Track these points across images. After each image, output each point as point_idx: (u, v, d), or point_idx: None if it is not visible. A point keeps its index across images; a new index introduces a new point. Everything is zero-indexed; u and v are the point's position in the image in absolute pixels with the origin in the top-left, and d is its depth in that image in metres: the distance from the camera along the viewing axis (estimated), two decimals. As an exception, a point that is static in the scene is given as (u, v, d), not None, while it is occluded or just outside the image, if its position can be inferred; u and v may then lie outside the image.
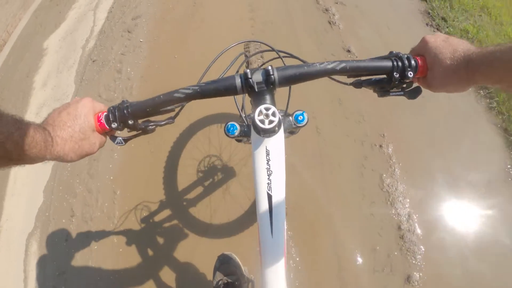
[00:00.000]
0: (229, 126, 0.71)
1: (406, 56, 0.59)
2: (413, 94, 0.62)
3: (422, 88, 0.62)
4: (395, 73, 0.58)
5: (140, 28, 2.45)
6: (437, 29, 2.47)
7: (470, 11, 2.60)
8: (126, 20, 2.53)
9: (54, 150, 0.53)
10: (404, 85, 0.62)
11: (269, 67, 0.59)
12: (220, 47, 0.83)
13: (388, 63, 0.59)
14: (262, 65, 1.11)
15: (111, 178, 1.85)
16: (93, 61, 2.35)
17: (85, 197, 1.84)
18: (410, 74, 0.58)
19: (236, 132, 0.71)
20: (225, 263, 1.29)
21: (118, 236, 1.67)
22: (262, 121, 0.58)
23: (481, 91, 2.16)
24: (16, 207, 1.92)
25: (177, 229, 1.67)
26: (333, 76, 0.64)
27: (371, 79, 0.63)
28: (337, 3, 2.46)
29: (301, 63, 0.64)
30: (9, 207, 1.93)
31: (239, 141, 0.91)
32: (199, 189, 1.74)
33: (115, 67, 2.25)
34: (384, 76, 0.61)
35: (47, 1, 3.04)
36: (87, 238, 1.71)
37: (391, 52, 0.62)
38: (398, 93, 0.63)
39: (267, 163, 0.61)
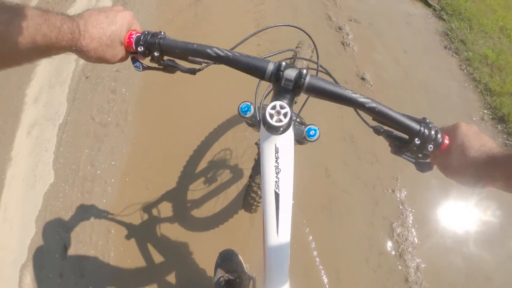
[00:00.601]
0: (244, 106, 0.72)
1: (435, 128, 0.57)
2: (423, 167, 0.60)
3: (434, 167, 0.61)
4: (416, 139, 0.57)
5: (137, 42, 2.27)
6: (456, 53, 2.31)
7: (490, 33, 2.43)
8: (122, 31, 2.35)
9: (80, 43, 0.53)
10: (420, 155, 0.59)
11: (304, 70, 0.58)
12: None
13: (416, 126, 0.57)
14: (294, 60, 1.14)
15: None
16: (87, 78, 2.20)
17: (78, 233, 1.74)
18: (430, 147, 0.56)
19: (249, 114, 0.72)
20: (226, 260, 1.28)
21: (115, 274, 1.59)
22: (271, 116, 0.57)
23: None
24: (9, 234, 1.83)
25: (176, 226, 1.64)
26: (359, 113, 0.63)
27: (392, 132, 0.61)
28: (350, 20, 2.28)
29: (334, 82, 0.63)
30: (1, 234, 1.84)
31: (250, 125, 0.91)
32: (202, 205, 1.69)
33: (109, 86, 2.10)
34: (406, 136, 0.59)
35: (43, 2, 2.83)
36: (81, 277, 1.63)
37: (424, 118, 0.60)
38: (409, 159, 0.61)
39: (276, 160, 0.60)
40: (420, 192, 1.73)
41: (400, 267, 1.59)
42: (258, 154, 1.19)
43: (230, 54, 0.59)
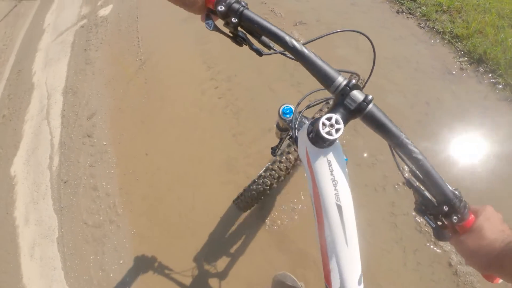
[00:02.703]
0: (287, 108, 0.75)
1: (465, 204, 0.57)
2: (440, 235, 0.59)
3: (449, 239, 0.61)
4: (445, 206, 0.56)
5: (99, 128, 2.21)
6: (410, 13, 2.22)
7: (435, -23, 2.34)
8: (82, 123, 2.28)
9: None
10: (441, 223, 0.59)
11: (370, 96, 0.56)
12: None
13: (449, 194, 0.56)
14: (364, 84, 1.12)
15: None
16: (65, 183, 2.13)
17: None
18: (455, 219, 0.55)
19: (288, 118, 0.73)
20: (281, 283, 1.26)
21: None
22: (324, 125, 0.56)
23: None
24: None
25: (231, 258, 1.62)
26: (397, 161, 0.63)
27: (423, 190, 0.60)
28: (296, 24, 2.20)
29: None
30: None
31: (280, 129, 0.91)
32: None
33: (89, 184, 2.03)
34: (435, 200, 0.58)
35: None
36: None
37: (456, 189, 0.58)
38: (430, 222, 0.59)
39: (331, 173, 0.59)
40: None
41: (439, 255, 1.52)
42: (275, 159, 1.18)
43: (306, 51, 0.58)
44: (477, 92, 1.93)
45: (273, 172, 1.15)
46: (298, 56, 0.58)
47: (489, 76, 1.97)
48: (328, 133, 0.55)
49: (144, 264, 1.73)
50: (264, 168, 1.21)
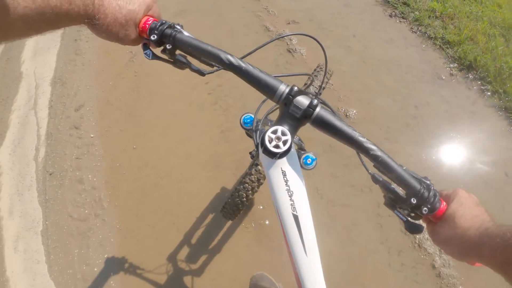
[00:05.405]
0: (247, 117, 0.74)
1: (435, 192, 0.54)
2: (412, 228, 0.57)
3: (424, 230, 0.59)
4: (413, 199, 0.54)
5: (86, 120, 2.17)
6: (403, 18, 2.24)
7: (428, -18, 2.37)
8: (69, 114, 2.25)
9: (93, 17, 0.52)
10: (413, 214, 0.57)
11: (315, 101, 0.55)
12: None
13: (416, 185, 0.54)
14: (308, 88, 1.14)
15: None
16: (50, 174, 2.10)
17: None
18: (425, 210, 0.53)
19: (251, 127, 0.73)
20: (258, 284, 1.26)
21: None
22: (270, 140, 0.55)
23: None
24: None
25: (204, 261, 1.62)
26: (361, 157, 0.61)
27: (390, 184, 0.58)
28: (289, 23, 2.20)
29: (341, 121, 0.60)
30: None
31: (250, 136, 0.90)
32: None
33: (75, 177, 2.01)
34: (403, 192, 0.56)
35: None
36: None
37: (426, 177, 0.57)
38: (400, 216, 0.58)
39: (286, 184, 0.59)
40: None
41: (423, 257, 1.55)
42: (252, 163, 1.22)
43: (243, 65, 0.57)
44: (466, 98, 1.96)
45: (246, 185, 1.19)
46: (236, 70, 0.57)
47: (478, 83, 2.01)
48: (276, 146, 0.55)
49: (128, 259, 1.72)
50: (238, 182, 1.24)
